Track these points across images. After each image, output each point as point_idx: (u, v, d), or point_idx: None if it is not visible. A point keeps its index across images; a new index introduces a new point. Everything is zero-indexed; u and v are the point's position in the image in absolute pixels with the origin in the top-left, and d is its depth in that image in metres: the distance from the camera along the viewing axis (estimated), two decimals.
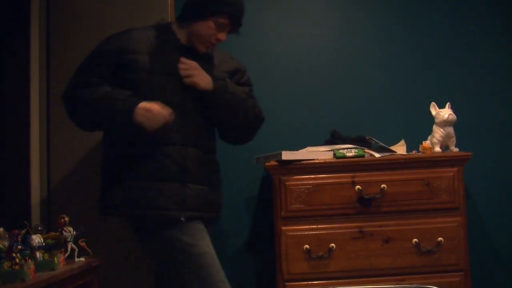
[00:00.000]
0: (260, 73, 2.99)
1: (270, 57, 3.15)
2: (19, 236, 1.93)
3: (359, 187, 2.51)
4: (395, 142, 2.89)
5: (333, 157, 2.57)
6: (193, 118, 2.18)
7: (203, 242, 2.14)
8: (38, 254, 2.02)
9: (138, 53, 2.11)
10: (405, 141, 2.87)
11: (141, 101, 2.03)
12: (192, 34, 2.18)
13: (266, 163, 2.58)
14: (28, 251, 1.98)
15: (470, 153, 2.64)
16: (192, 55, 2.18)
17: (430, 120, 2.76)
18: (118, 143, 2.14)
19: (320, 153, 2.58)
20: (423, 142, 2.78)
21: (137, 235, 2.19)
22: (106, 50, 2.15)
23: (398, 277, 2.49)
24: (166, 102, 2.05)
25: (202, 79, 2.14)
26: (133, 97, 2.06)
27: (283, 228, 2.53)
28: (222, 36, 2.20)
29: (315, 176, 2.53)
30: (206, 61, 2.23)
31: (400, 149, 2.78)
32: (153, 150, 2.09)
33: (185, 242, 2.09)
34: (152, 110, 2.01)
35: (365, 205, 2.52)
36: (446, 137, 2.70)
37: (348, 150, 2.59)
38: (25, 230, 1.98)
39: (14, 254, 1.87)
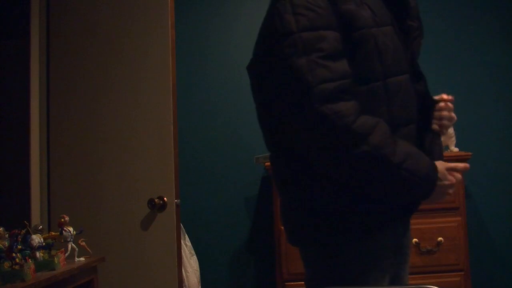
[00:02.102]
0: None
1: None
2: (19, 236, 1.93)
3: None
4: None
5: None
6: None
7: None
8: (38, 254, 2.02)
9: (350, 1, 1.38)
10: None
11: (434, 164, 1.40)
12: None
13: (266, 163, 2.58)
14: (28, 251, 1.97)
15: (470, 153, 2.64)
16: None
17: None
18: None
19: None
20: None
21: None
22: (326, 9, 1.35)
23: None
24: (401, 66, 1.47)
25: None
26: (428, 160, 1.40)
27: (283, 227, 2.52)
28: None
29: None
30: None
31: None
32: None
33: None
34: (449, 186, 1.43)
35: None
36: (446, 137, 2.70)
37: None
38: (25, 230, 1.98)
39: (14, 254, 1.87)
